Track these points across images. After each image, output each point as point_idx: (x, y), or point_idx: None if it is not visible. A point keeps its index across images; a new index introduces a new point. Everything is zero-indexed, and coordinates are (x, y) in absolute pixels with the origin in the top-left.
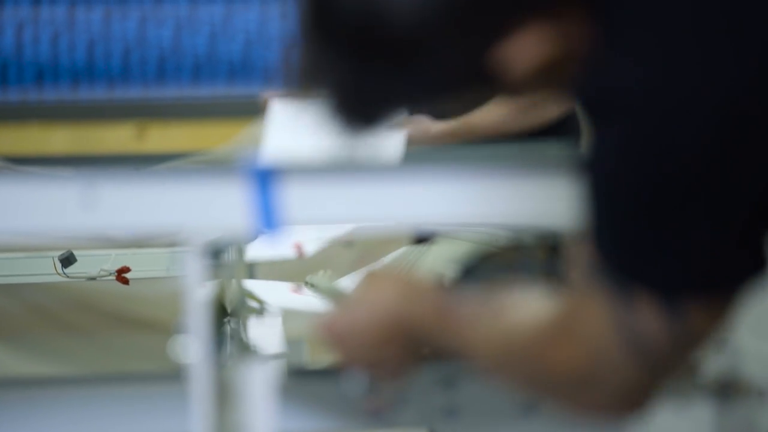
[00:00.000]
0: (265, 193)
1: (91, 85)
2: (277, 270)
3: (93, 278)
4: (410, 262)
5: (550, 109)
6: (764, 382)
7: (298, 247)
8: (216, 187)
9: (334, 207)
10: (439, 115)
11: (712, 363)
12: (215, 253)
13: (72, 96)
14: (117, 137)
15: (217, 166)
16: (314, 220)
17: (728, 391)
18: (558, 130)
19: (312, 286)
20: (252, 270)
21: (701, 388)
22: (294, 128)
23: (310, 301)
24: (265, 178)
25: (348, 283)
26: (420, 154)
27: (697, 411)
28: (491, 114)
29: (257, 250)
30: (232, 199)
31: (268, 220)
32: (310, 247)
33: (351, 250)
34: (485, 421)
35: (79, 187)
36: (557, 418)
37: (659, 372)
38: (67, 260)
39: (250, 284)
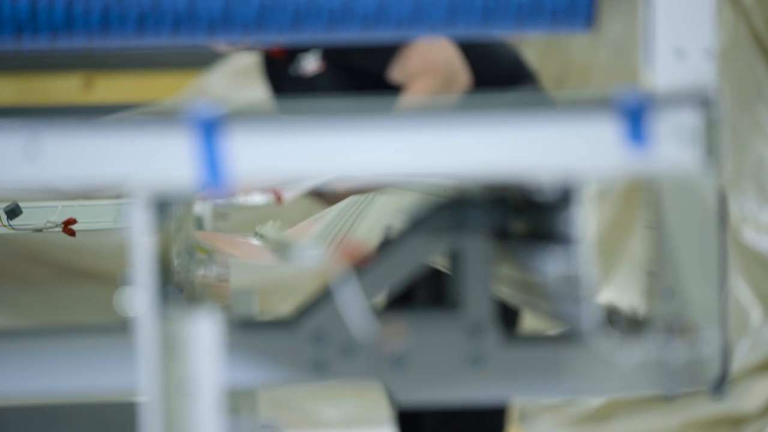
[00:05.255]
0: (210, 143)
1: (34, 34)
2: (251, 217)
3: (39, 230)
4: (356, 212)
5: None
6: (707, 324)
7: (277, 195)
8: (162, 137)
9: (282, 158)
10: None
11: (661, 308)
12: (161, 204)
13: (15, 46)
14: (63, 88)
15: (162, 116)
16: (261, 171)
17: (674, 333)
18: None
19: (261, 236)
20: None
21: (651, 332)
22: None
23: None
24: (211, 129)
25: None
26: (370, 104)
27: (646, 352)
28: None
29: (233, 198)
30: (178, 150)
31: (214, 170)
32: (288, 195)
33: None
34: (433, 373)
35: (22, 138)
36: (503, 371)
37: None
38: (13, 212)
39: (199, 236)
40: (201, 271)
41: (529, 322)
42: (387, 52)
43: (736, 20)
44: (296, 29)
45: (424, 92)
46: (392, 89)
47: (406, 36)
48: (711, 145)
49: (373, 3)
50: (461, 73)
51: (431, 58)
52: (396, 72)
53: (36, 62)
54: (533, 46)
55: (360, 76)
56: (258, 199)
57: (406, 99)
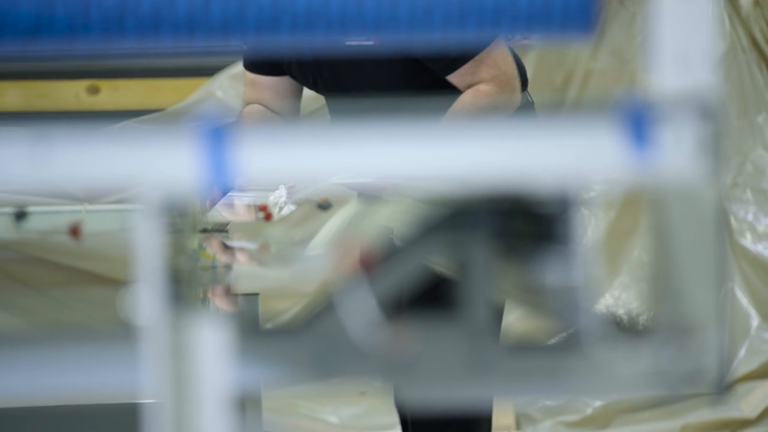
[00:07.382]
0: (217, 149)
1: (40, 41)
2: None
3: (46, 234)
4: (360, 219)
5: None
6: (706, 328)
7: (266, 211)
8: (169, 143)
9: (287, 164)
10: None
11: (661, 312)
12: (168, 209)
13: (21, 52)
14: (69, 94)
15: (169, 122)
16: (267, 176)
17: (674, 337)
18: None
19: (270, 239)
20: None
21: (651, 336)
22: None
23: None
24: (218, 135)
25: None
26: (376, 109)
27: (647, 354)
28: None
29: (223, 214)
30: (184, 156)
31: (221, 177)
32: (279, 210)
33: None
34: (436, 377)
35: (29, 144)
36: (506, 375)
37: None
38: (20, 216)
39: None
40: (207, 277)
41: (529, 325)
42: (454, 55)
43: (733, 28)
44: (303, 31)
45: (486, 95)
46: (437, 81)
47: (415, 37)
48: (712, 151)
49: (384, 3)
50: (518, 92)
51: (502, 68)
52: (462, 74)
53: (41, 68)
54: (533, 51)
55: (409, 61)
56: (246, 217)
57: (465, 97)
